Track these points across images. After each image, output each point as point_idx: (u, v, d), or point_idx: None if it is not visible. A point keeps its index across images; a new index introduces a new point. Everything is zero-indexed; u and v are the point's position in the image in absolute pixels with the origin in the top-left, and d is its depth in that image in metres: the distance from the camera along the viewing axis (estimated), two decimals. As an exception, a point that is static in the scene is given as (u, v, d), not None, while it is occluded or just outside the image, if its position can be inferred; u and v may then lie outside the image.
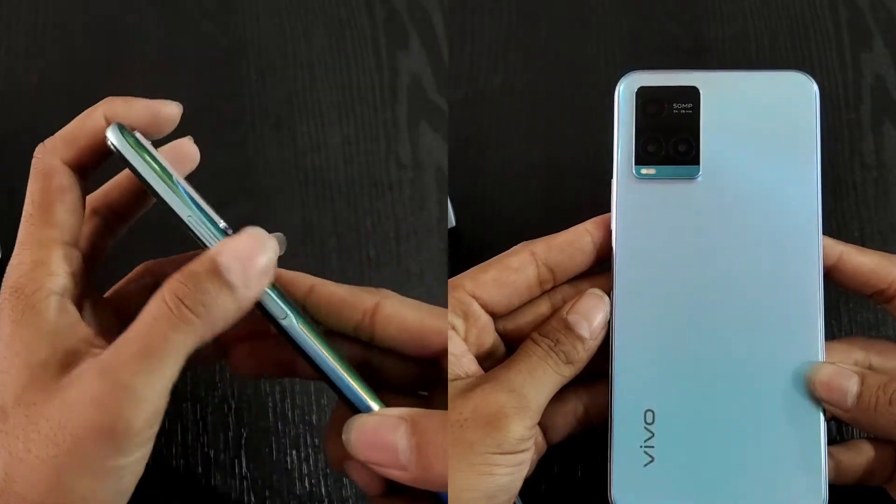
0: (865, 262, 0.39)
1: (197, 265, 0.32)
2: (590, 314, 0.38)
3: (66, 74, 0.54)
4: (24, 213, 0.34)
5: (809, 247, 0.38)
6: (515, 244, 0.40)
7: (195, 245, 0.39)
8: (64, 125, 0.36)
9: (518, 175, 0.53)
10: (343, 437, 0.34)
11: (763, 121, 0.39)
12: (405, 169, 0.52)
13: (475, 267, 0.39)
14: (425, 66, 0.55)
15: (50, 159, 0.35)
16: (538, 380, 0.36)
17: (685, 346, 0.38)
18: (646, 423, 0.37)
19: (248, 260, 0.32)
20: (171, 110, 0.35)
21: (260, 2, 0.56)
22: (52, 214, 0.34)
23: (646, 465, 0.37)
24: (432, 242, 0.51)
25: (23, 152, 0.52)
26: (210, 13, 0.56)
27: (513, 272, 0.38)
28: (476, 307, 0.38)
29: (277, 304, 0.34)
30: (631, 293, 0.38)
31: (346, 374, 0.34)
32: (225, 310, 0.32)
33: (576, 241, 0.39)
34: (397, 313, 0.36)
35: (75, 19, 0.56)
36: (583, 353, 0.37)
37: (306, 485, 0.45)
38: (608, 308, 0.38)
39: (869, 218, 0.50)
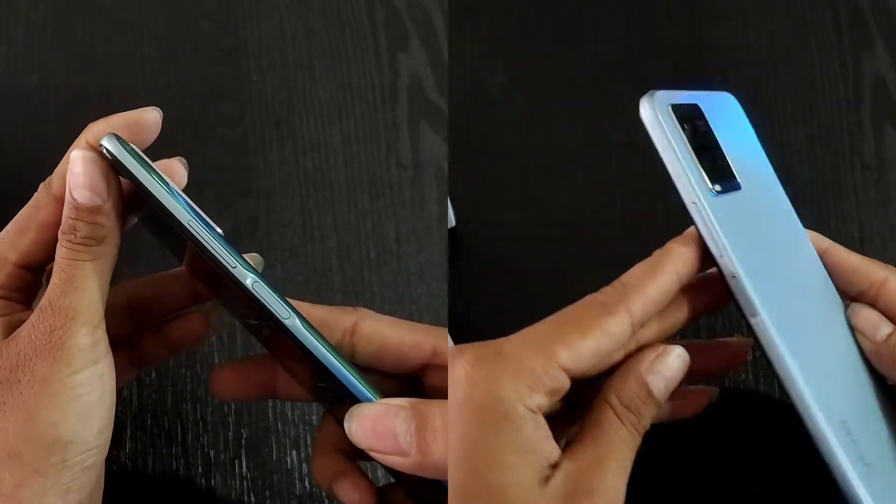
0: (850, 258, 0.39)
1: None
2: (671, 379, 0.35)
3: (66, 74, 0.54)
4: (3, 231, 0.35)
5: (806, 240, 0.39)
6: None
7: (176, 263, 0.39)
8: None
9: (518, 175, 0.53)
10: (345, 425, 0.34)
11: (735, 135, 0.39)
12: (405, 169, 0.52)
13: (562, 320, 0.34)
14: (425, 66, 0.55)
15: (45, 195, 0.35)
16: (623, 470, 0.34)
17: (826, 348, 0.37)
18: (847, 433, 0.35)
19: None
20: (150, 116, 0.35)
21: (260, 2, 0.57)
22: (23, 240, 0.35)
23: (867, 474, 0.35)
24: (432, 242, 0.51)
25: (23, 153, 0.52)
26: (210, 13, 0.56)
27: (611, 340, 0.34)
28: (566, 383, 0.34)
29: (282, 305, 0.34)
30: (776, 311, 0.35)
31: (349, 371, 0.34)
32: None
33: (669, 291, 0.35)
34: (376, 331, 0.37)
35: (75, 19, 0.56)
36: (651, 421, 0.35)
37: (306, 485, 0.45)
38: (685, 368, 0.35)
39: (869, 218, 0.50)
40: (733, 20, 0.56)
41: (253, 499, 0.45)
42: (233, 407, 0.46)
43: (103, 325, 0.33)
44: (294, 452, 0.46)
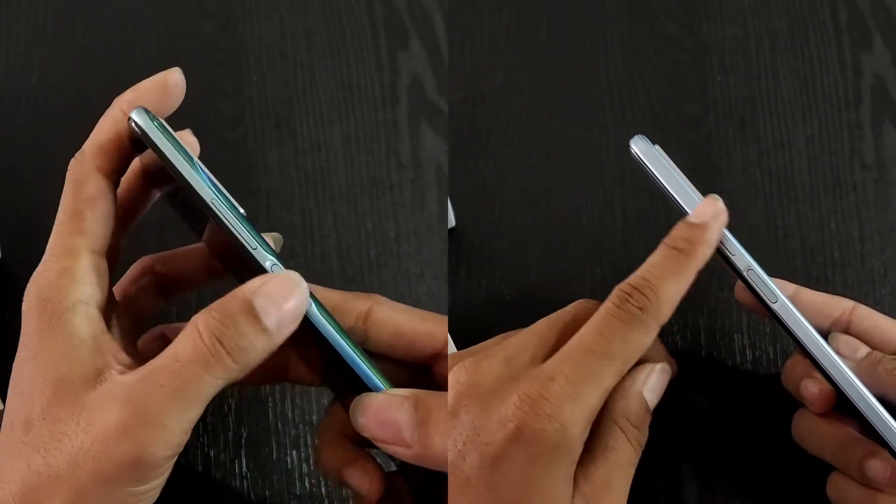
0: (819, 295, 0.41)
1: (234, 304, 0.32)
2: (660, 391, 0.37)
3: (66, 74, 0.54)
4: (55, 222, 0.35)
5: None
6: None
7: (194, 239, 0.39)
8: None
9: (518, 175, 0.53)
10: (350, 414, 0.34)
11: None
12: (405, 169, 0.52)
13: (603, 339, 0.35)
14: (425, 66, 0.55)
15: (81, 168, 0.34)
16: (627, 487, 0.36)
17: None
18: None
19: (282, 304, 0.32)
20: (174, 76, 0.36)
21: (260, 2, 0.57)
22: (82, 222, 0.34)
23: None
24: (432, 242, 0.51)
25: (23, 152, 0.52)
26: (210, 13, 0.56)
27: (644, 350, 0.36)
28: None
29: None
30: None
31: (361, 359, 0.34)
32: (259, 353, 0.32)
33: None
34: (390, 318, 0.37)
35: (75, 19, 0.56)
36: None
37: (306, 485, 0.45)
38: (668, 380, 0.38)
39: (869, 218, 0.50)
40: (733, 20, 0.56)
41: (253, 499, 0.45)
42: (233, 407, 0.46)
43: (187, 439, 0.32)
44: (294, 452, 0.46)
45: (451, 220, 0.51)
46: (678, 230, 0.37)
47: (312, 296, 0.34)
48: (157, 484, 0.32)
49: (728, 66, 0.55)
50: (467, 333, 0.48)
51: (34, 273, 0.34)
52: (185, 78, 0.54)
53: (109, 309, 0.35)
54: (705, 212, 0.37)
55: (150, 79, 0.35)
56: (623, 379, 0.36)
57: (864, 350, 0.39)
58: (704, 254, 0.36)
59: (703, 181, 0.52)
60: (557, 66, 0.56)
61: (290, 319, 0.32)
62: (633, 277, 0.36)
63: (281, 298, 0.32)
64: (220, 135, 0.53)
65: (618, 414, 0.36)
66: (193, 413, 0.32)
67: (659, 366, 0.37)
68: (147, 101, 0.35)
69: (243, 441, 0.46)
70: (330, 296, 0.37)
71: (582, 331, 0.35)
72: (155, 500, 0.33)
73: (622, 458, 0.35)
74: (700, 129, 0.53)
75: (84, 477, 0.31)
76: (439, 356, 0.37)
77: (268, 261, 0.33)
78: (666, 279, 0.35)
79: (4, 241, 0.48)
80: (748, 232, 0.50)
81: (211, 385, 0.31)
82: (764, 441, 0.45)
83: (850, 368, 0.38)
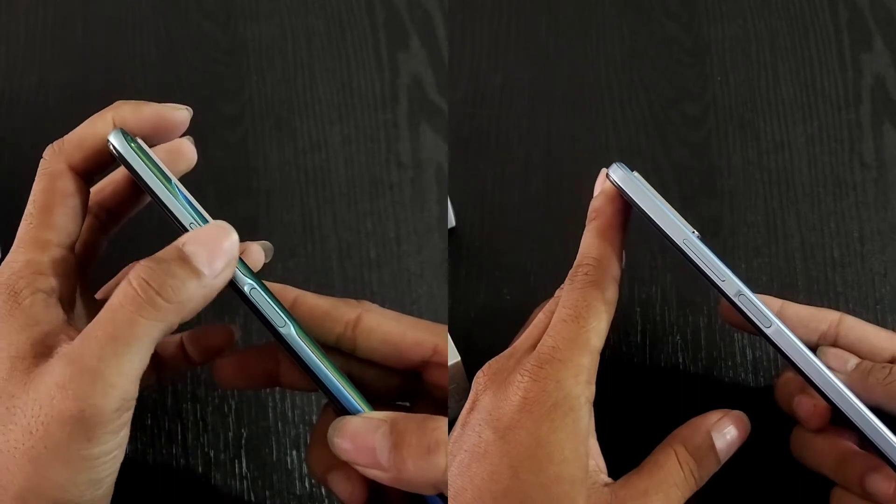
0: (805, 308, 0.41)
1: (164, 253, 0.32)
2: (732, 440, 0.38)
3: (66, 74, 0.54)
4: (25, 213, 0.35)
5: None
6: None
7: None
8: (64, 126, 0.36)
9: (518, 175, 0.53)
10: (328, 436, 0.34)
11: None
12: (405, 169, 0.52)
13: (575, 308, 0.37)
14: (425, 66, 0.55)
15: (57, 162, 0.35)
16: None
17: None
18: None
19: (212, 247, 0.33)
20: (179, 115, 0.36)
21: (260, 2, 0.57)
22: (52, 217, 0.34)
23: None
24: (432, 242, 0.51)
25: (23, 152, 0.52)
26: (210, 13, 0.56)
27: (613, 307, 0.38)
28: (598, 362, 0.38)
29: (278, 313, 0.34)
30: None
31: (338, 381, 0.35)
32: (192, 294, 0.32)
33: (621, 241, 0.39)
34: (378, 326, 0.37)
35: (75, 19, 0.56)
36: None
37: (306, 485, 0.45)
38: (747, 432, 0.38)
39: (869, 218, 0.50)
40: (733, 20, 0.56)
41: (253, 499, 0.45)
42: (233, 407, 0.46)
43: (135, 398, 0.32)
44: (294, 452, 0.46)
45: (451, 220, 0.51)
46: (590, 207, 0.40)
47: (292, 318, 0.34)
48: (110, 447, 0.31)
49: (728, 66, 0.55)
50: (467, 333, 0.48)
51: (2, 263, 0.34)
52: (185, 78, 0.55)
53: (79, 302, 0.35)
54: (597, 187, 0.41)
55: (157, 107, 0.36)
56: (697, 417, 0.38)
57: (853, 362, 0.39)
58: (606, 210, 0.39)
59: (704, 181, 0.52)
60: (557, 66, 0.56)
61: (222, 261, 0.33)
62: (577, 259, 0.39)
63: (211, 242, 0.33)
64: (220, 135, 0.53)
65: (677, 440, 0.37)
66: (131, 358, 0.31)
67: (735, 412, 0.38)
68: (140, 128, 0.35)
69: (243, 441, 0.46)
70: (319, 303, 0.37)
71: (557, 307, 0.38)
72: (116, 465, 0.32)
73: (668, 478, 0.36)
74: (700, 129, 0.53)
75: (38, 445, 0.31)
76: (428, 364, 0.37)
77: (246, 285, 0.34)
78: (593, 244, 0.38)
79: (4, 240, 0.48)
80: (748, 232, 0.50)
81: (145, 327, 0.31)
82: (763, 442, 0.45)
83: (842, 382, 0.38)
